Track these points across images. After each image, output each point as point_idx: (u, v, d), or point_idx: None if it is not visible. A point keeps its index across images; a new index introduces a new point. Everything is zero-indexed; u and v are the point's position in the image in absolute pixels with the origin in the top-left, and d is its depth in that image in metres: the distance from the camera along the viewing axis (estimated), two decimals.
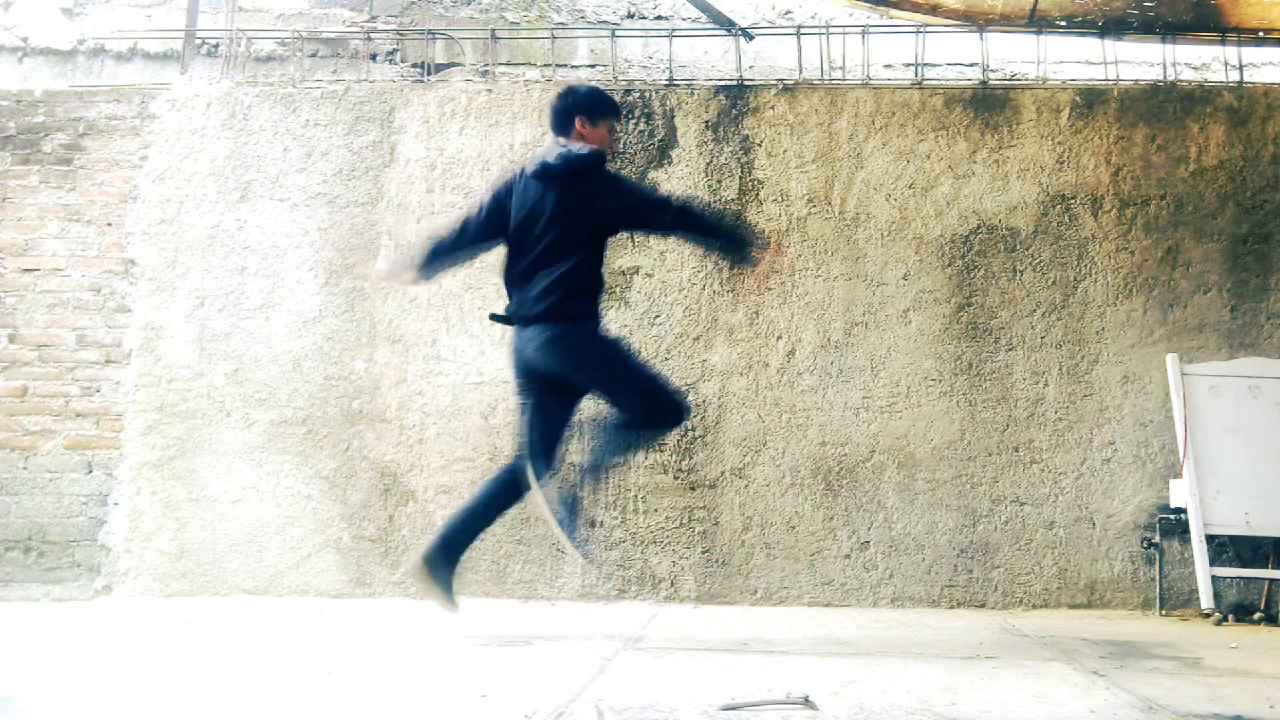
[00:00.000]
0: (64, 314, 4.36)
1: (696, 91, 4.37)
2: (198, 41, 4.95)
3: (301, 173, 4.41)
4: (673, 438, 4.11)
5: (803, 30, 4.59)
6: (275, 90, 4.50)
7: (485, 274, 4.26)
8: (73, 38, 5.32)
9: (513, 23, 5.27)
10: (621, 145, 4.31)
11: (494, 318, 3.26)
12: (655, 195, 3.75)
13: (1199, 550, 3.76)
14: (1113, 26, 4.52)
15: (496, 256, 4.27)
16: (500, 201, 3.20)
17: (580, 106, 3.19)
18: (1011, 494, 4.02)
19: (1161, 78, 4.40)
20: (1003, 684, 2.41)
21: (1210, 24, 4.46)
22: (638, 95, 4.37)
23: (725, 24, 4.87)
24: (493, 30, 4.84)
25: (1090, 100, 4.27)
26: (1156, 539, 3.92)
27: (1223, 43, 4.50)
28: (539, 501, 3.04)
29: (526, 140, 4.36)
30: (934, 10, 4.55)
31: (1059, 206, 4.20)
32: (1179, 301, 4.13)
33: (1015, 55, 4.97)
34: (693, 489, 4.09)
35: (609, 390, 3.10)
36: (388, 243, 4.34)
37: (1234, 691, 2.38)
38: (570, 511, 3.06)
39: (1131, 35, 4.53)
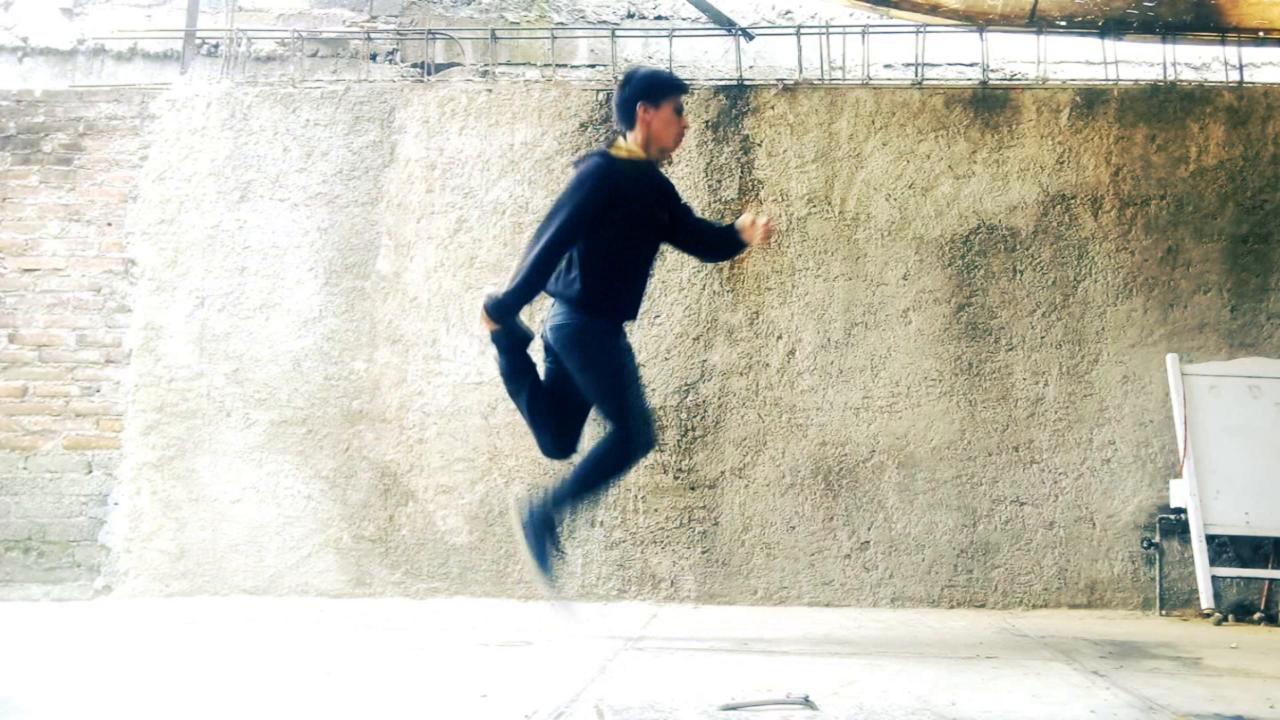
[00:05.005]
0: (64, 314, 4.36)
1: (696, 91, 4.37)
2: (198, 41, 4.95)
3: (301, 173, 4.41)
4: (672, 438, 4.11)
5: (803, 30, 4.59)
6: (275, 90, 4.50)
7: (484, 273, 4.26)
8: (73, 38, 5.32)
9: (513, 23, 5.27)
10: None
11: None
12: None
13: (1199, 550, 3.76)
14: (1113, 26, 4.52)
15: (496, 257, 4.30)
16: None
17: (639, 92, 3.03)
18: (1011, 494, 4.02)
19: (1161, 78, 4.40)
20: (1003, 684, 2.41)
21: (1210, 24, 4.46)
22: None
23: (725, 24, 4.87)
24: (493, 30, 4.84)
25: (1090, 100, 4.27)
26: (1156, 539, 3.92)
27: (1223, 43, 4.50)
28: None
29: (526, 140, 4.36)
30: (934, 10, 4.55)
31: (1059, 206, 4.20)
32: (1179, 301, 4.12)
33: (1015, 55, 4.96)
34: (693, 489, 4.09)
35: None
36: (388, 242, 4.34)
37: (1234, 691, 2.38)
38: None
39: (1131, 35, 4.53)
